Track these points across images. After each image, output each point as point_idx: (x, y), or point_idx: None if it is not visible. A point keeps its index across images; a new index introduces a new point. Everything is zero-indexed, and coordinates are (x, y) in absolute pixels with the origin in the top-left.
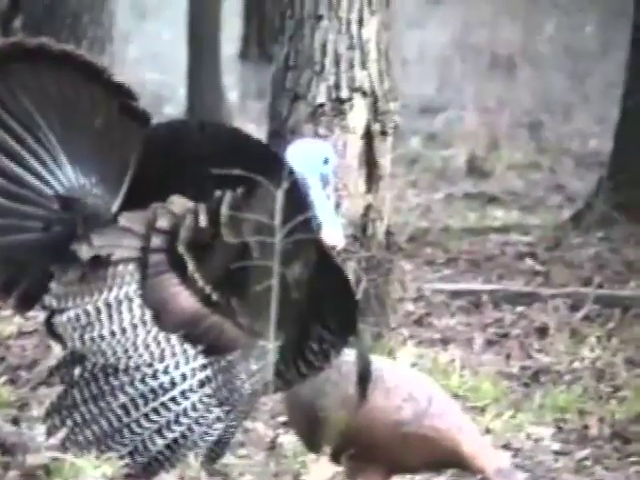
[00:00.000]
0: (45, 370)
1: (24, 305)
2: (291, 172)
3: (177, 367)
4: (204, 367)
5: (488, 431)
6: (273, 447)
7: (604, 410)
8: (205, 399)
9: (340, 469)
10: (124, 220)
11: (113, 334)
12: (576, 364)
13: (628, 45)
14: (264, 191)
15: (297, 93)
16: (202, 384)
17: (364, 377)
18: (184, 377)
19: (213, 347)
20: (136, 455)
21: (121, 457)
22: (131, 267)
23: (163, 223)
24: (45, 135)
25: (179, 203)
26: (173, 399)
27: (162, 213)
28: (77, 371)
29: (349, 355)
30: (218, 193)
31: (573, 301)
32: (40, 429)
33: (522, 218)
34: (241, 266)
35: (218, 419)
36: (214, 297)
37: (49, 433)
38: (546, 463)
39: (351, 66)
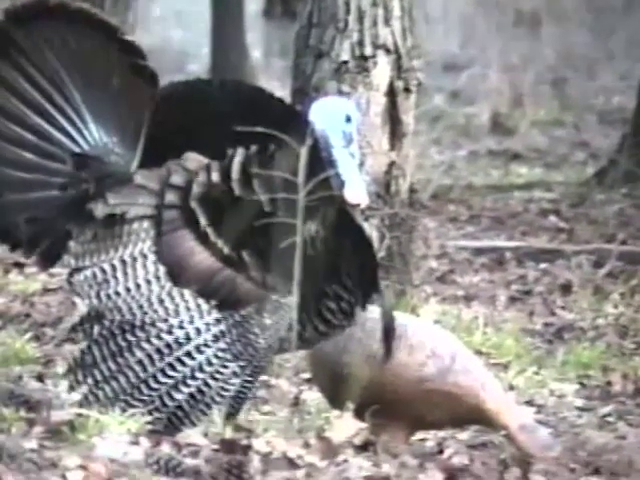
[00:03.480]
0: (69, 327)
1: (47, 262)
2: (313, 130)
3: (191, 322)
4: (218, 321)
5: (511, 388)
6: (297, 404)
7: (627, 366)
8: (220, 353)
9: (363, 425)
10: (139, 178)
11: (128, 290)
12: (599, 321)
13: None
14: (282, 148)
15: (321, 50)
16: (216, 338)
17: (388, 334)
18: (198, 331)
19: (226, 302)
20: (155, 411)
21: (141, 414)
22: (146, 224)
23: (177, 179)
24: (70, 92)
25: (194, 160)
26: (188, 354)
27: (176, 170)
28: (96, 328)
29: (373, 312)
30: (232, 150)
31: (597, 258)
32: (64, 386)
33: (546, 175)
34: (252, 220)
35: (234, 374)
36: (226, 251)
37: (71, 389)
38: (569, 419)
39: (374, 23)
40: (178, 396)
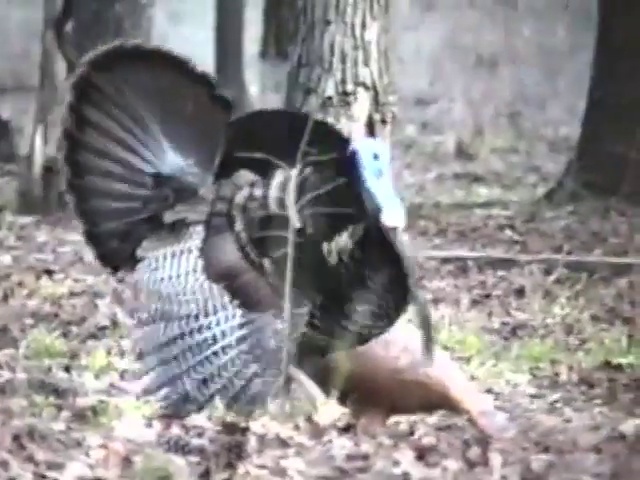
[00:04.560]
0: (92, 325)
1: (124, 269)
2: (357, 158)
3: (218, 324)
4: (241, 326)
5: (473, 378)
6: (288, 392)
7: (573, 360)
8: (243, 355)
9: (346, 410)
10: (202, 191)
11: (170, 278)
12: (548, 320)
13: (594, 45)
14: (322, 171)
15: (309, 87)
16: (239, 342)
17: (428, 340)
18: (224, 334)
19: (248, 301)
20: (187, 402)
21: (172, 406)
22: (199, 228)
23: (226, 192)
24: (148, 125)
25: (242, 176)
26: (215, 353)
27: (227, 184)
28: (144, 315)
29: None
30: (276, 170)
31: (546, 266)
32: (88, 376)
33: (503, 195)
34: (280, 233)
35: (255, 375)
36: (253, 256)
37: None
38: (522, 405)
39: (355, 64)
40: (206, 391)
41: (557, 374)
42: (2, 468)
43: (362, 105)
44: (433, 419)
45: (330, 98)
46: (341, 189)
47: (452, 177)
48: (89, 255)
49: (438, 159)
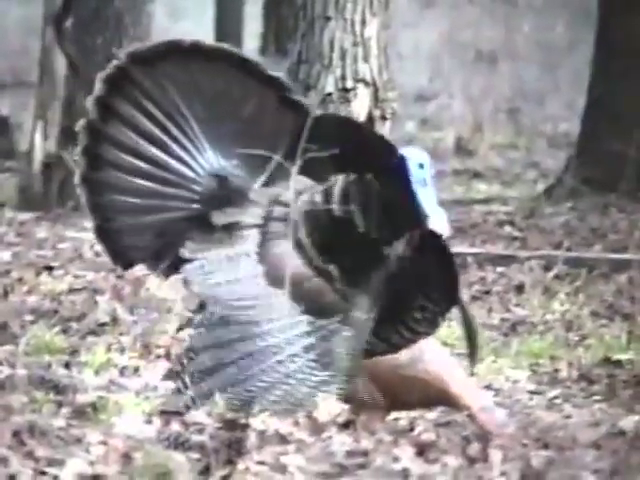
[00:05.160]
0: (92, 322)
1: (169, 272)
2: (407, 166)
3: (283, 332)
4: (308, 334)
5: (472, 374)
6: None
7: (572, 356)
8: (310, 364)
9: (346, 407)
10: (253, 194)
11: (228, 282)
12: (548, 316)
13: (593, 42)
14: (378, 178)
15: (309, 84)
16: (307, 350)
17: (473, 342)
18: (289, 342)
19: (313, 308)
20: (248, 406)
21: (235, 408)
22: (254, 231)
23: (284, 197)
24: (189, 124)
25: (301, 181)
26: (281, 362)
27: (285, 189)
28: (198, 318)
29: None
30: (335, 176)
31: (546, 262)
32: (88, 372)
33: (502, 191)
34: (345, 238)
35: (324, 382)
36: (318, 262)
37: (175, 375)
38: (522, 401)
39: (355, 60)
40: (271, 397)
41: (557, 370)
42: (2, 464)
43: (362, 101)
44: (433, 415)
45: (330, 94)
46: (396, 196)
47: (452, 173)
48: (89, 252)
49: (438, 155)
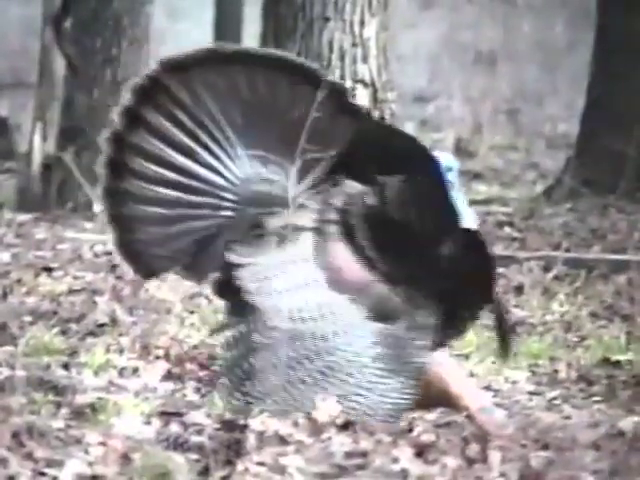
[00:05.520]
0: (91, 322)
1: (202, 277)
2: (442, 171)
3: (351, 344)
4: (375, 344)
5: (472, 375)
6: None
7: (571, 357)
8: (379, 372)
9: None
10: (302, 199)
11: (288, 290)
12: (547, 317)
13: (592, 43)
14: (422, 180)
15: None
16: (374, 360)
17: (507, 339)
18: (358, 354)
19: (378, 313)
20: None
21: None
22: (309, 235)
23: (338, 201)
24: (223, 131)
25: (351, 186)
26: (350, 375)
27: (337, 193)
28: (255, 334)
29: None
30: (382, 179)
31: (545, 263)
32: (87, 373)
33: (501, 192)
34: (402, 241)
35: (393, 389)
36: (379, 266)
37: (226, 389)
38: (521, 402)
39: (354, 61)
40: (339, 407)
41: (556, 371)
42: (1, 465)
43: (361, 102)
44: (432, 416)
45: None
46: (440, 198)
47: None
48: (88, 253)
49: None
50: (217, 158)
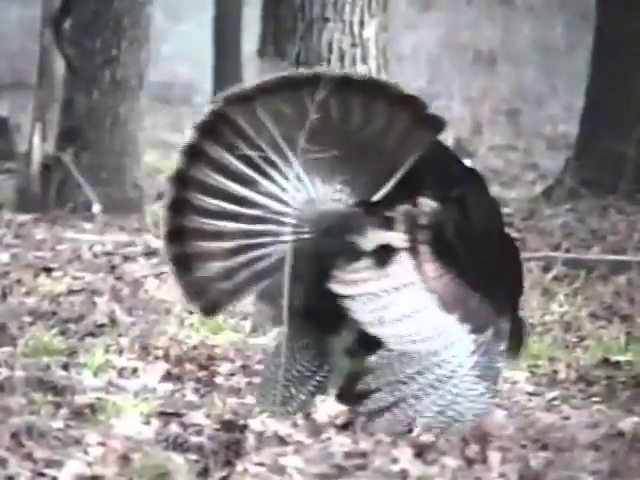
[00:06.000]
0: (91, 323)
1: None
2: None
3: (456, 356)
4: (473, 352)
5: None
6: None
7: (571, 357)
8: (475, 379)
9: (344, 408)
10: (383, 217)
11: (406, 317)
12: (547, 318)
13: (591, 44)
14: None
15: None
16: (473, 368)
17: (522, 337)
18: (461, 365)
19: (477, 325)
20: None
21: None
22: (405, 255)
23: (425, 220)
24: (284, 156)
25: (427, 204)
26: (455, 385)
27: (421, 212)
28: (374, 357)
29: None
30: (455, 193)
31: (545, 264)
32: (86, 373)
33: (501, 192)
34: (481, 252)
35: (482, 394)
36: (472, 279)
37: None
38: (521, 402)
39: (353, 62)
40: (442, 418)
41: (555, 371)
42: (1, 466)
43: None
44: None
45: None
46: (493, 208)
47: None
48: (87, 253)
49: None
50: (276, 183)
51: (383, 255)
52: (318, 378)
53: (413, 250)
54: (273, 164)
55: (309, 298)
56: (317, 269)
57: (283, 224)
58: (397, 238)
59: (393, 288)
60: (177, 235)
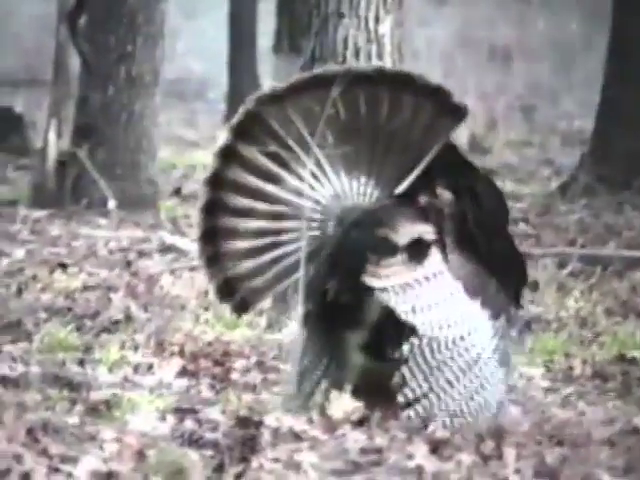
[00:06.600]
0: (106, 319)
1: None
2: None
3: (480, 340)
4: (493, 337)
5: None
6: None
7: (586, 353)
8: (496, 364)
9: (359, 404)
10: (415, 210)
11: (437, 304)
12: (562, 313)
13: (607, 40)
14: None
15: None
16: (494, 352)
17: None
18: (484, 348)
19: (494, 311)
20: (447, 419)
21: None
22: (434, 248)
23: (449, 211)
24: (312, 153)
25: (446, 194)
26: (481, 369)
27: (444, 203)
28: (406, 346)
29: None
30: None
31: (560, 260)
32: (102, 369)
33: (516, 188)
34: (495, 241)
35: (500, 380)
36: (491, 269)
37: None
38: (537, 398)
39: (369, 58)
40: (472, 404)
41: (571, 367)
42: (16, 461)
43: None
44: None
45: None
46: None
47: None
48: (103, 249)
49: None
50: (304, 181)
51: (417, 249)
52: (332, 374)
53: (440, 242)
54: (301, 162)
55: (333, 293)
56: (348, 264)
57: (311, 220)
58: (428, 231)
59: (424, 278)
60: (211, 236)
